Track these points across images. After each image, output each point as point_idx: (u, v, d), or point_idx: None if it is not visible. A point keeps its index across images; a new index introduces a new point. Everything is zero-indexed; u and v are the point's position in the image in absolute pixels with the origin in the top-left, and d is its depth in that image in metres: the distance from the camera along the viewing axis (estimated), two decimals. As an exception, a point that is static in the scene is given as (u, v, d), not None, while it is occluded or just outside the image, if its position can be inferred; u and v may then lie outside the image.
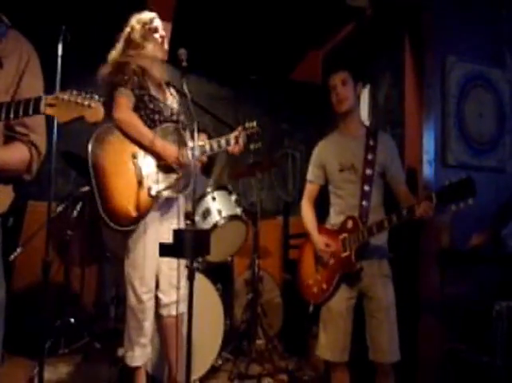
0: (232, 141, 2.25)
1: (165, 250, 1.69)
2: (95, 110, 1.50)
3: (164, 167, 2.16)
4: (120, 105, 2.10)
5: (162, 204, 2.22)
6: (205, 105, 3.54)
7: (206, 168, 3.87)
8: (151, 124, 2.20)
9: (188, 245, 1.63)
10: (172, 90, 2.43)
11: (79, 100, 1.45)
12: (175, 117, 2.29)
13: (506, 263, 2.74)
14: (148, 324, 2.19)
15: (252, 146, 2.33)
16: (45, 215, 1.91)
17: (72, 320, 3.04)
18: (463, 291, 2.76)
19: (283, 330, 3.74)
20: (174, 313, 2.23)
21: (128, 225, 2.08)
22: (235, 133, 2.28)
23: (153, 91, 2.25)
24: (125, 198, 2.06)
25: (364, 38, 3.47)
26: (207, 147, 2.23)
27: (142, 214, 2.08)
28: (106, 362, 2.77)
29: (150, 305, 2.20)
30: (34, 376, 2.30)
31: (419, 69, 2.80)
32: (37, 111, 1.43)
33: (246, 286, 3.76)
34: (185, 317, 2.24)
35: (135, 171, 2.10)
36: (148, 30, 2.28)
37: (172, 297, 2.24)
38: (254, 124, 2.34)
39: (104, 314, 3.24)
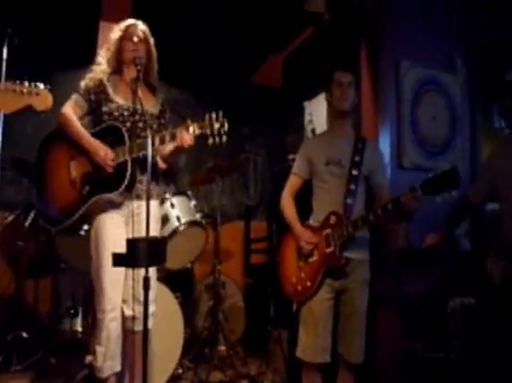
0: (179, 135, 2.11)
1: (118, 259, 1.63)
2: (43, 97, 1.50)
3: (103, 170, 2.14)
4: (66, 104, 2.25)
5: (120, 211, 2.18)
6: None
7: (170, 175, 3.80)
8: (102, 124, 2.21)
9: (142, 254, 1.58)
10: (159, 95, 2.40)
11: (24, 90, 1.42)
12: (126, 118, 2.22)
13: (459, 261, 2.83)
14: (110, 337, 2.13)
15: (211, 140, 2.12)
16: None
17: (25, 334, 2.90)
18: (420, 290, 2.84)
19: (246, 335, 3.72)
20: (136, 328, 2.17)
21: (57, 223, 2.16)
22: (183, 127, 2.15)
23: (113, 94, 2.26)
24: (57, 196, 2.18)
25: (323, 43, 3.52)
26: (148, 145, 2.02)
27: (69, 212, 2.12)
28: (62, 378, 2.66)
29: (113, 317, 2.13)
30: (-18, 396, 2.18)
31: (374, 74, 2.88)
32: None
33: (207, 292, 3.71)
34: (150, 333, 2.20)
35: (69, 172, 2.17)
36: (122, 37, 2.28)
37: (135, 311, 2.17)
38: (220, 116, 2.12)
39: (59, 327, 3.11)
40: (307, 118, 3.19)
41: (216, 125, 2.08)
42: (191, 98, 4.34)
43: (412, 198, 1.98)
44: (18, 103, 1.43)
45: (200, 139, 2.15)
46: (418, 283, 2.85)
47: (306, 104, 3.71)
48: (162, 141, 2.11)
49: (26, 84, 1.43)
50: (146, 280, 1.62)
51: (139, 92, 2.19)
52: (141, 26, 2.33)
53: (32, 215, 3.07)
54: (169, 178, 3.80)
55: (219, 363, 3.06)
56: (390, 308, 2.78)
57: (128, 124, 2.17)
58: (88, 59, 3.76)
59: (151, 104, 2.34)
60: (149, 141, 1.85)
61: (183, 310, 2.74)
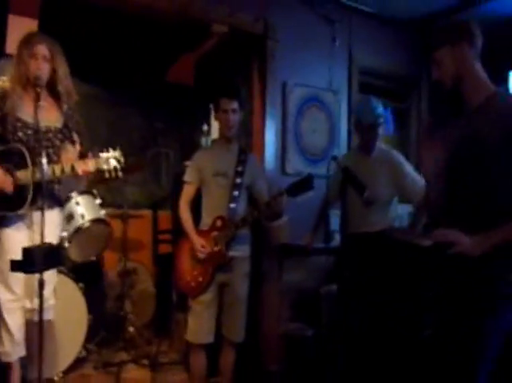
0: (79, 170, 2.33)
1: (16, 265, 1.90)
2: None
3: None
4: None
5: (20, 217, 2.40)
6: (78, 105, 3.68)
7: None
8: (5, 143, 2.38)
9: (37, 260, 1.87)
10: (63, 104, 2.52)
11: None
12: (29, 137, 2.38)
13: (330, 254, 3.35)
14: (15, 324, 2.40)
15: (107, 175, 2.34)
16: None
17: None
18: (298, 278, 3.34)
19: (155, 318, 4.06)
20: (37, 319, 2.42)
21: None
22: (81, 161, 2.38)
23: (19, 111, 2.39)
24: None
25: (224, 54, 3.85)
26: (50, 171, 2.30)
27: None
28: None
29: (16, 307, 2.40)
30: None
31: (263, 89, 3.25)
32: None
33: (119, 279, 3.98)
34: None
35: None
36: (28, 54, 2.38)
37: (34, 304, 2.41)
38: (116, 154, 2.34)
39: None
40: (205, 128, 3.52)
41: (112, 163, 2.32)
42: (103, 94, 4.48)
43: (280, 200, 2.49)
44: None
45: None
46: (297, 273, 3.36)
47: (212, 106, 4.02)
48: (62, 172, 2.33)
49: None
50: (40, 283, 1.91)
51: (43, 106, 2.35)
52: (47, 43, 2.43)
53: None
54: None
55: (124, 345, 3.40)
56: (273, 294, 3.26)
57: (32, 144, 2.34)
58: (-2, 52, 3.79)
59: (54, 118, 2.49)
60: (49, 170, 2.11)
61: (87, 298, 3.02)
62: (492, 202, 1.59)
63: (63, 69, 2.51)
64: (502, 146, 1.55)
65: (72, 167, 2.33)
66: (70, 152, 2.54)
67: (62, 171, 2.33)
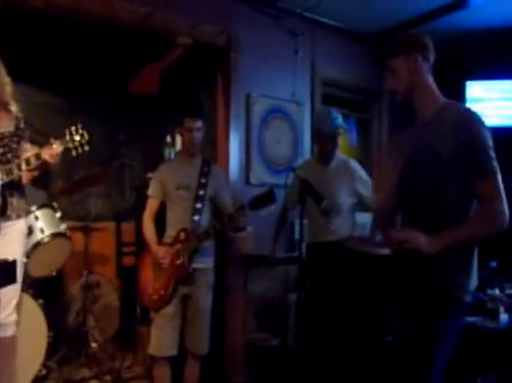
0: (45, 156, 2.27)
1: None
2: None
3: None
4: None
5: None
6: (38, 115, 3.59)
7: (42, 180, 3.86)
8: None
9: (-10, 278, 1.79)
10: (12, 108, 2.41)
11: None
12: None
13: (293, 262, 3.38)
14: None
15: (74, 152, 2.34)
16: None
17: None
18: (263, 289, 3.35)
19: (120, 332, 3.96)
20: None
21: None
22: (46, 146, 2.33)
23: None
24: None
25: (190, 66, 3.85)
26: (15, 168, 2.24)
27: None
28: None
29: None
30: None
31: (227, 101, 3.27)
32: None
33: (82, 293, 3.88)
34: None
35: None
36: None
37: None
38: (79, 128, 2.33)
39: None
40: (168, 139, 3.50)
41: (77, 138, 2.30)
42: (64, 104, 4.38)
43: (242, 214, 2.50)
44: None
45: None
46: (263, 283, 3.37)
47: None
48: (27, 163, 2.26)
49: None
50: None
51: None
52: None
53: None
54: (41, 184, 3.88)
55: (87, 361, 3.31)
56: (238, 304, 3.25)
57: None
58: None
59: (5, 124, 2.40)
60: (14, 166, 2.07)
61: (47, 315, 2.92)
62: (444, 212, 1.65)
63: (3, 73, 2.43)
64: (454, 157, 1.60)
65: (38, 156, 2.26)
66: (29, 151, 2.47)
67: (28, 162, 2.26)
